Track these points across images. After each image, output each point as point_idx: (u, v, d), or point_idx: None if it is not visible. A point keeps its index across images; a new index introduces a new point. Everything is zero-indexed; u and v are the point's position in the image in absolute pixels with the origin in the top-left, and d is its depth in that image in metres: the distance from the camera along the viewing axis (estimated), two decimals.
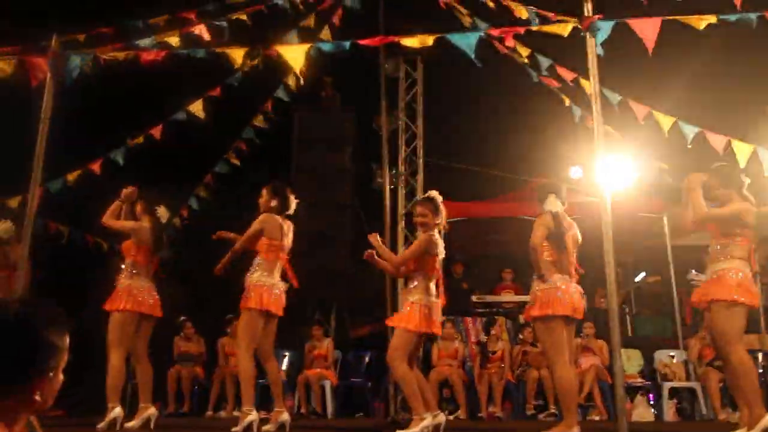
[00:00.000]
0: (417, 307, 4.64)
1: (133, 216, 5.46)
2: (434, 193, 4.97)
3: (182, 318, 8.27)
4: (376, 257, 4.87)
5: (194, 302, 8.49)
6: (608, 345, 7.77)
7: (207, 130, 7.29)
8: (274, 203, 5.12)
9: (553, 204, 4.74)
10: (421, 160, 10.15)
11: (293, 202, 5.20)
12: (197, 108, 6.99)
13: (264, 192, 5.17)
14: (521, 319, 9.08)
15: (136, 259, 5.29)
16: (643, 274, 11.98)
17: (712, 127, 5.18)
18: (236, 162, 7.87)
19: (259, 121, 7.99)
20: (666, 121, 5.17)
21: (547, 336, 4.64)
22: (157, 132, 6.81)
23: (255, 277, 4.98)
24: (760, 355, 7.57)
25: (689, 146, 5.12)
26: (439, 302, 4.74)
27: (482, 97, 12.10)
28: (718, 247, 4.47)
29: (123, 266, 5.31)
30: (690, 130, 5.15)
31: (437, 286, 4.78)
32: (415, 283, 4.75)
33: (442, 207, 4.92)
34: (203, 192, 8.47)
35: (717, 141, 5.08)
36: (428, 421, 4.53)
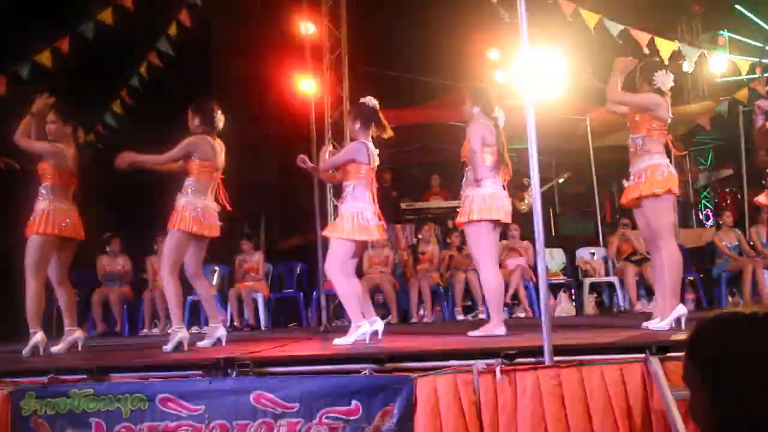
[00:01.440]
0: (349, 214, 4.65)
1: (44, 133, 5.14)
2: (368, 99, 4.90)
3: (108, 234, 8.04)
4: (308, 162, 4.86)
5: (119, 220, 8.24)
6: (533, 245, 8.06)
7: (119, 42, 6.90)
8: (199, 124, 4.92)
9: (496, 110, 4.83)
10: (346, 68, 9.93)
11: (221, 119, 5.01)
12: (106, 16, 6.58)
13: (189, 113, 4.95)
14: (450, 224, 9.26)
15: (54, 182, 5.04)
16: (566, 175, 12.30)
17: (636, 26, 5.26)
18: (144, 76, 7.52)
19: (173, 30, 7.60)
20: (591, 19, 5.18)
21: (477, 240, 4.74)
22: (64, 44, 6.40)
23: (186, 199, 4.85)
24: None
25: (619, 42, 5.18)
26: (373, 208, 4.75)
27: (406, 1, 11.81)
28: (639, 142, 4.61)
29: (40, 189, 5.06)
30: (615, 28, 5.19)
31: (372, 194, 4.78)
32: (348, 191, 4.73)
33: (378, 114, 4.86)
34: (118, 108, 8.11)
35: (641, 37, 5.14)
36: (365, 328, 4.61)
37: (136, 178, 5.09)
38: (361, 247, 4.90)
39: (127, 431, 3.63)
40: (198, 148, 4.87)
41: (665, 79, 4.63)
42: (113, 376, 3.83)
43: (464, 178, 4.91)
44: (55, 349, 5.03)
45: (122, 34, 6.76)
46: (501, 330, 4.66)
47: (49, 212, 4.97)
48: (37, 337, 4.93)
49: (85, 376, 3.84)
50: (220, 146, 5.00)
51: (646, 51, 5.37)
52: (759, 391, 1.22)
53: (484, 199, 4.70)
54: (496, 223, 4.77)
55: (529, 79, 3.97)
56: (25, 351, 4.88)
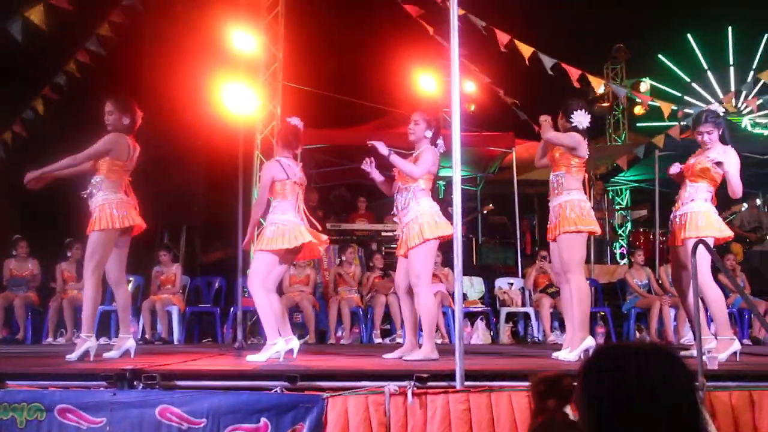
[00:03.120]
0: (274, 228, 4.62)
1: None
2: (295, 119, 4.92)
3: (16, 236, 7.69)
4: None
5: (28, 222, 7.90)
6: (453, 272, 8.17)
7: (48, 39, 6.68)
8: (126, 121, 4.79)
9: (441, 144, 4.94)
10: (280, 84, 9.90)
11: (139, 119, 4.90)
12: (36, 15, 6.36)
13: (112, 107, 4.78)
14: (374, 246, 9.30)
15: None
16: (490, 206, 12.56)
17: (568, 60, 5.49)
18: (76, 74, 7.31)
19: (105, 30, 7.43)
20: (526, 51, 5.36)
21: (425, 260, 4.75)
22: None
23: (100, 197, 4.70)
24: (587, 283, 8.24)
25: (550, 75, 5.38)
26: (301, 224, 4.72)
27: (345, 26, 11.93)
28: (560, 179, 4.79)
29: None
30: (548, 61, 5.39)
31: (299, 211, 4.76)
32: (274, 205, 4.71)
33: (298, 133, 4.88)
34: (41, 105, 7.84)
35: (572, 72, 5.35)
36: (280, 345, 4.56)
37: (49, 182, 4.88)
38: (286, 261, 4.84)
39: None
40: (117, 146, 4.74)
41: (582, 119, 4.84)
42: (9, 384, 3.64)
43: (404, 200, 4.89)
44: None
45: (52, 33, 6.55)
46: (434, 354, 4.68)
47: None
48: None
49: None
50: (135, 147, 4.88)
51: (577, 85, 5.61)
52: (635, 416, 1.31)
53: (435, 219, 4.79)
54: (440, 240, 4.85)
55: (457, 109, 4.03)
56: None
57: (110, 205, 4.67)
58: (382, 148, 4.83)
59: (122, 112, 4.77)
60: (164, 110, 8.54)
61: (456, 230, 3.75)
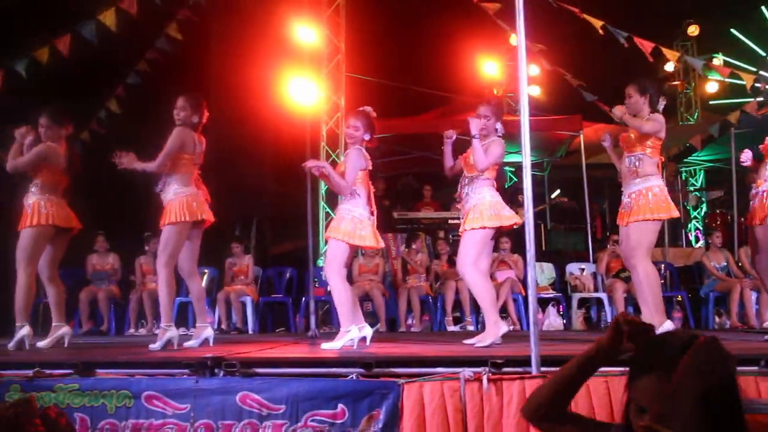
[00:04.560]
0: (351, 222, 4.66)
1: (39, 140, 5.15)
2: (368, 108, 4.93)
3: (98, 232, 8.02)
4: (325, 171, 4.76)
5: (107, 218, 8.21)
6: (523, 259, 8.08)
7: (119, 40, 6.89)
8: (195, 119, 4.92)
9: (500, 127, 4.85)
10: (343, 76, 9.97)
11: (205, 116, 5.03)
12: (108, 18, 6.57)
13: (185, 104, 4.91)
14: (440, 233, 9.29)
15: (45, 179, 5.06)
16: (557, 192, 12.38)
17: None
18: (146, 70, 7.53)
19: (173, 29, 7.62)
20: (596, 24, 5.23)
21: (473, 244, 4.70)
22: (64, 44, 6.39)
23: (172, 191, 4.84)
24: (662, 267, 8.03)
25: (624, 46, 5.23)
26: (371, 222, 4.75)
27: (405, 14, 11.89)
28: (635, 161, 4.67)
29: (30, 186, 5.06)
30: (620, 34, 5.24)
31: (369, 200, 4.79)
32: (348, 196, 4.74)
33: (373, 122, 4.89)
34: (114, 105, 8.11)
35: (645, 45, 5.20)
36: (354, 333, 4.61)
37: (127, 178, 5.07)
38: (353, 251, 4.89)
39: (111, 428, 3.61)
40: (186, 139, 4.87)
41: (661, 99, 4.71)
42: (99, 372, 3.80)
43: (464, 189, 4.85)
44: (41, 344, 5.00)
45: (122, 34, 6.76)
46: (498, 331, 4.61)
47: (41, 204, 4.98)
48: (23, 330, 4.90)
49: (70, 371, 3.80)
50: (200, 141, 5.01)
51: (650, 59, 5.45)
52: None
53: (494, 206, 4.72)
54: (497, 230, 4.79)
55: (525, 93, 3.97)
56: (11, 345, 4.85)
57: (181, 199, 4.81)
58: (474, 127, 4.78)
59: (194, 109, 4.91)
60: (232, 105, 8.73)
61: (527, 215, 3.71)
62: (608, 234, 9.38)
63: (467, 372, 3.43)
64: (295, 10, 8.53)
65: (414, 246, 8.24)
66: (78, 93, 7.80)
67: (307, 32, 8.16)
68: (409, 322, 7.82)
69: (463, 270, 4.74)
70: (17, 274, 4.92)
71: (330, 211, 8.95)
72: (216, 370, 3.70)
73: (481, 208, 4.69)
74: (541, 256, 8.73)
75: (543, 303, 7.85)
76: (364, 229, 4.68)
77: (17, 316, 4.93)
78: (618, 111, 4.83)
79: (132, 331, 7.86)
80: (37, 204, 4.98)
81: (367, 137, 4.83)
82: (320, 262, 8.20)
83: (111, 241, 8.18)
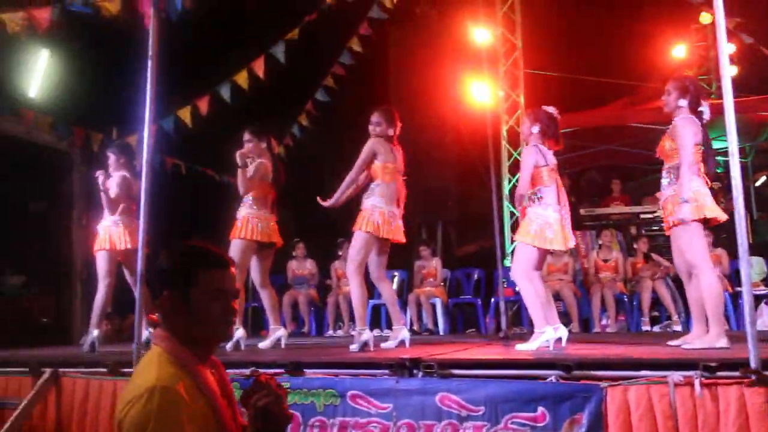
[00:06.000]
0: (540, 225, 4.60)
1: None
2: (550, 108, 4.86)
3: (295, 240, 8.58)
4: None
5: (302, 227, 8.75)
6: (727, 253, 7.47)
7: (304, 58, 7.30)
8: (390, 132, 5.12)
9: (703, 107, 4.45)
10: (521, 72, 9.84)
11: (397, 127, 5.20)
12: (293, 35, 6.97)
13: (380, 119, 5.11)
14: (633, 230, 8.85)
15: (257, 194, 5.45)
16: (764, 178, 11.35)
17: None
18: (332, 86, 7.91)
19: (354, 43, 7.93)
20: None
21: (691, 240, 4.31)
22: (259, 66, 6.86)
23: (371, 201, 5.05)
24: None
25: None
26: (560, 216, 4.65)
27: (582, 3, 11.46)
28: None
29: (245, 199, 5.46)
30: None
31: (558, 197, 4.69)
32: (535, 196, 4.69)
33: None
34: (305, 120, 8.60)
35: None
36: (549, 334, 4.53)
37: (326, 185, 5.36)
38: (545, 255, 4.80)
39: (321, 425, 3.83)
40: (381, 149, 5.06)
41: None
42: (307, 372, 4.04)
43: (666, 178, 4.48)
44: (261, 344, 5.44)
45: (307, 51, 7.16)
46: (723, 342, 4.17)
47: (249, 219, 5.39)
48: (279, 332, 5.50)
49: (281, 371, 4.08)
50: (397, 150, 5.17)
51: None
52: None
53: (698, 197, 4.26)
54: (705, 223, 4.40)
55: (727, 73, 3.66)
56: (228, 346, 5.28)
57: (376, 215, 4.99)
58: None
59: (389, 123, 5.11)
60: (414, 110, 8.91)
61: (737, 205, 3.43)
62: None
63: (676, 376, 3.25)
64: (470, 12, 8.55)
65: (603, 243, 7.92)
66: (273, 111, 8.38)
67: (482, 33, 8.14)
68: (604, 322, 7.53)
69: (696, 272, 4.34)
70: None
71: (514, 211, 8.86)
72: (414, 371, 3.79)
73: (677, 200, 4.29)
74: (748, 249, 8.01)
75: (754, 300, 7.20)
76: (552, 231, 4.58)
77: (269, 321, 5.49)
78: None
79: (330, 332, 8.30)
80: (246, 218, 5.39)
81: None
82: (507, 262, 8.14)
83: (308, 248, 8.70)
